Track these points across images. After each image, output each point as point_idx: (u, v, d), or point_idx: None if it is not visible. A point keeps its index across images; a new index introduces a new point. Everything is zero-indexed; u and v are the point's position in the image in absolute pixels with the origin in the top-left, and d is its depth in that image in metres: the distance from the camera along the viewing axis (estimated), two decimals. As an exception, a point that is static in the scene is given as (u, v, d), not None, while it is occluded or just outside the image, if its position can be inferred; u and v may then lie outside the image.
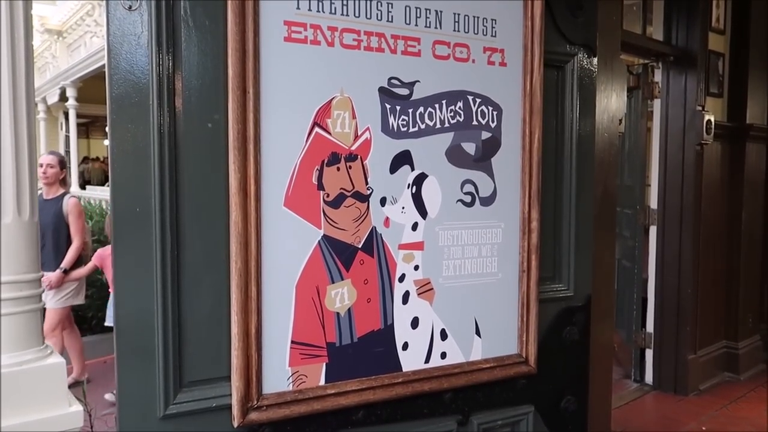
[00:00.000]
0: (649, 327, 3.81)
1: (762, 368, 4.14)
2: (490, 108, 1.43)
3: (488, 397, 1.47)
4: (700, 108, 3.59)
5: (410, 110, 1.33)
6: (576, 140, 1.60)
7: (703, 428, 3.15)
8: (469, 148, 1.41)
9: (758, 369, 4.11)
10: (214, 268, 1.16)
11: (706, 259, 3.77)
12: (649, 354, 3.82)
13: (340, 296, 1.26)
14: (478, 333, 1.43)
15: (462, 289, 1.41)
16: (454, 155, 1.39)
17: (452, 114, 1.38)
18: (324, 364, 1.25)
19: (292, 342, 1.22)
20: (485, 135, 1.43)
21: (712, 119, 3.58)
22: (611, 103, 1.91)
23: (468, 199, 1.41)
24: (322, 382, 1.25)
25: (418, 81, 1.33)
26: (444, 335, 1.38)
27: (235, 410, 1.15)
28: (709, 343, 3.89)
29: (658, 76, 3.70)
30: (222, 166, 1.16)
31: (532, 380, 1.52)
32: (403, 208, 1.32)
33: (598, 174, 1.83)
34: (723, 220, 3.94)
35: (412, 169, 1.33)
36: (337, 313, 1.26)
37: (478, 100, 1.42)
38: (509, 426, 1.52)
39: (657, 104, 3.74)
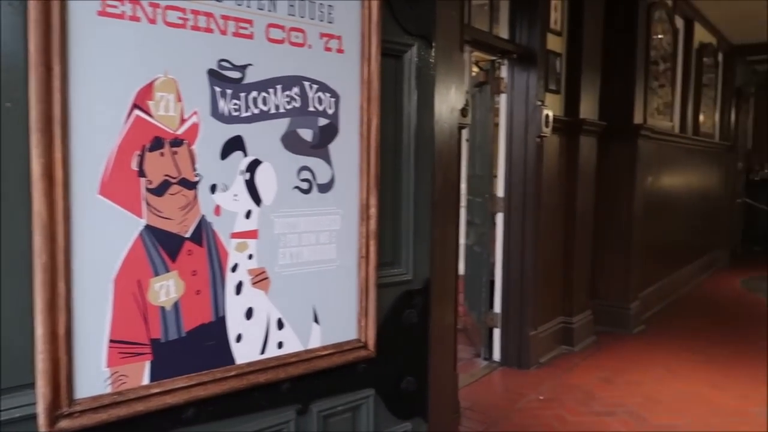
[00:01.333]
0: (497, 308, 4.08)
1: (593, 339, 4.60)
2: (328, 94, 1.42)
3: (328, 383, 1.47)
4: (540, 103, 3.87)
5: (243, 94, 1.28)
6: (415, 129, 1.64)
7: (541, 397, 3.44)
8: (306, 134, 1.39)
9: (590, 340, 4.56)
10: (14, 265, 1.04)
11: (546, 243, 4.10)
12: (497, 333, 4.09)
13: (166, 289, 1.19)
14: (316, 320, 1.43)
15: (299, 277, 1.39)
16: (290, 141, 1.36)
17: (288, 99, 1.35)
18: (148, 362, 1.17)
19: (111, 341, 1.13)
20: (322, 121, 1.42)
21: (551, 114, 3.88)
22: (451, 94, 1.99)
23: (305, 185, 1.39)
24: (145, 381, 1.17)
25: (251, 64, 1.29)
26: (281, 324, 1.36)
27: (42, 419, 1.04)
28: (549, 319, 4.24)
29: (504, 73, 3.94)
30: (24, 151, 1.04)
31: (371, 364, 1.55)
32: (235, 195, 1.28)
33: (439, 162, 1.90)
34: (560, 207, 4.30)
35: (245, 155, 1.29)
36: (163, 308, 1.19)
37: (315, 86, 1.40)
38: (350, 411, 1.54)
39: (503, 99, 3.98)
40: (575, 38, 4.29)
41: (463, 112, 2.88)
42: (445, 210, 2.00)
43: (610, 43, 4.66)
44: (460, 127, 2.97)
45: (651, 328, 4.99)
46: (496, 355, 4.09)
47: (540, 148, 3.91)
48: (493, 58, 3.94)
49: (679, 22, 6.30)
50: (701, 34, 7.03)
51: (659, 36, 5.68)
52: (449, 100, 1.95)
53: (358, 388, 1.54)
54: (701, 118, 7.23)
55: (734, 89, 8.74)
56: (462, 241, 5.07)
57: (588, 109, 4.40)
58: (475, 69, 4.53)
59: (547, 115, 3.84)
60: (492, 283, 4.14)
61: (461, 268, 4.96)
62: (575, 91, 4.28)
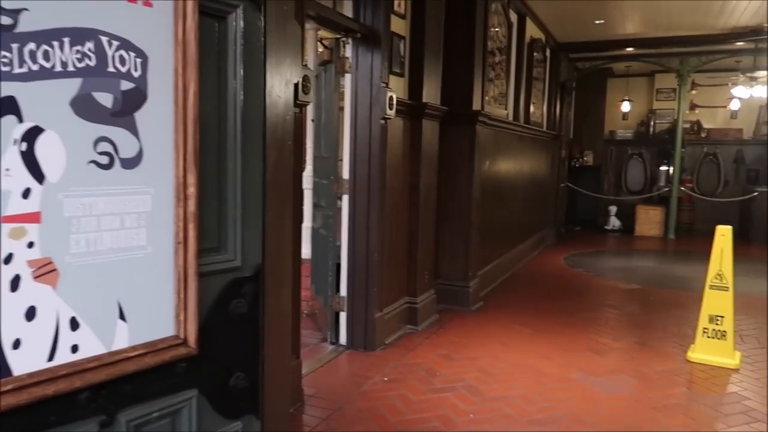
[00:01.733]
0: (343, 291, 4.04)
1: (436, 318, 4.76)
2: (132, 54, 1.22)
3: (139, 388, 1.28)
4: (385, 85, 3.86)
5: (15, 45, 1.04)
6: (242, 101, 1.49)
7: (385, 378, 3.46)
8: (105, 99, 1.18)
9: (433, 319, 4.71)
10: None
11: (391, 224, 4.13)
12: (343, 316, 4.05)
13: None
14: (122, 317, 1.23)
15: (99, 267, 1.18)
16: (84, 107, 1.14)
17: (79, 56, 1.13)
18: None
19: None
20: (126, 85, 1.21)
21: (395, 96, 3.89)
22: (285, 67, 1.85)
23: (104, 160, 1.18)
24: None
25: (26, 9, 1.05)
26: (75, 324, 1.15)
27: None
28: (394, 300, 4.30)
29: (348, 52, 3.86)
30: None
31: (194, 362, 1.38)
32: (6, 169, 1.04)
33: (273, 140, 1.76)
34: (404, 189, 4.36)
35: (20, 121, 1.05)
36: None
37: (116, 43, 1.19)
38: (169, 416, 1.36)
39: (348, 79, 3.91)
40: (418, 23, 4.33)
41: (304, 89, 2.75)
42: (280, 190, 1.86)
43: (451, 31, 4.80)
44: (301, 105, 2.84)
45: (488, 304, 5.28)
46: (343, 338, 4.05)
47: (384, 131, 3.91)
48: (338, 36, 3.84)
49: (513, 17, 6.70)
50: (532, 30, 7.55)
51: (496, 28, 5.98)
52: (283, 74, 1.81)
53: (178, 389, 1.37)
54: (532, 108, 7.80)
55: (559, 83, 9.57)
56: (308, 224, 4.97)
57: (431, 93, 4.49)
58: (321, 48, 4.41)
59: (391, 97, 3.85)
60: (339, 266, 4.09)
61: (308, 252, 4.86)
62: (418, 75, 4.34)
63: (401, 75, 4.23)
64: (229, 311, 1.51)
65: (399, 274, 4.38)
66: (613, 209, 11.14)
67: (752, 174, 11.19)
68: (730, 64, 10.55)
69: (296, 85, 2.65)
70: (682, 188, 10.33)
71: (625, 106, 11.71)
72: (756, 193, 9.55)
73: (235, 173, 1.50)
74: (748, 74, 8.28)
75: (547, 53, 8.67)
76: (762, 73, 8.15)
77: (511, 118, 6.80)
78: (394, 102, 3.89)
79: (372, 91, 3.83)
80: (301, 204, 2.99)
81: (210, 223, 1.43)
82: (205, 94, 1.37)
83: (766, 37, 7.77)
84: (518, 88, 7.05)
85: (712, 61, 9.58)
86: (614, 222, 11.06)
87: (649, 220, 10.21)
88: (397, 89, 4.10)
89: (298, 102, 2.73)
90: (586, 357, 3.91)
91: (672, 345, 4.21)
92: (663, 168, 10.95)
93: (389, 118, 3.91)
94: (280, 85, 1.82)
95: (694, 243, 9.64)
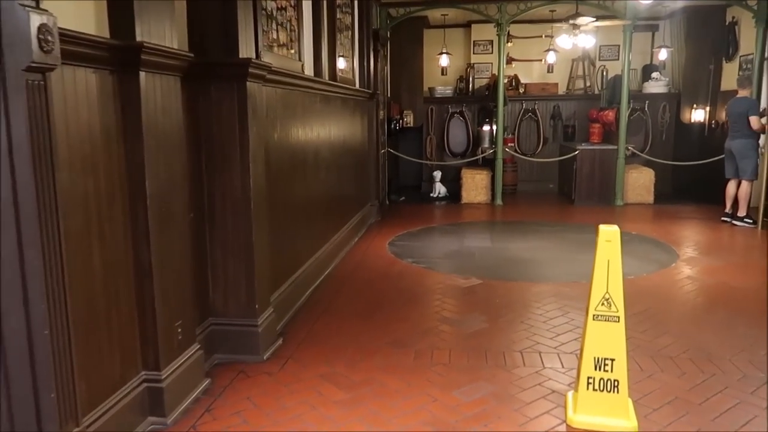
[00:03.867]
0: (-9, 402, 2.15)
1: (204, 387, 3.04)
2: None
3: None
4: (32, 5, 1.96)
5: None
6: None
7: None
8: None
9: (198, 392, 2.99)
10: None
11: (82, 262, 2.30)
12: (-3, 447, 2.18)
13: None
14: None
15: None
16: None
17: None
18: None
19: None
20: None
21: (53, 24, 2.00)
22: None
23: None
24: None
25: None
26: None
27: None
28: (111, 392, 2.49)
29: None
30: None
31: None
32: None
33: None
34: (114, 195, 2.51)
35: None
36: None
37: None
38: None
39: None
40: None
41: None
42: None
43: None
44: None
45: (289, 344, 3.69)
46: (4, 486, 2.19)
47: (40, 94, 2.01)
48: None
49: (305, -65, 4.97)
50: (332, -41, 5.90)
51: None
52: None
53: None
54: (341, 62, 6.24)
55: (371, 33, 8.11)
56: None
57: (157, 28, 2.64)
58: None
59: (44, 27, 1.95)
60: (-12, 350, 2.18)
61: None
62: (124, -5, 2.48)
63: (85, -9, 2.34)
64: None
65: (119, 346, 2.57)
66: (438, 174, 10.19)
67: (569, 130, 10.92)
68: (545, 15, 9.97)
69: None
70: (506, 149, 9.63)
71: (444, 60, 10.69)
72: (577, 152, 9.11)
73: None
74: (572, 21, 7.54)
75: (355, -7, 7.12)
76: (585, 20, 7.43)
77: (310, 73, 5.16)
78: (56, 37, 2.00)
79: (1, 17, 1.91)
80: None
81: None
82: None
83: None
84: (318, 34, 5.40)
85: (531, 9, 8.80)
86: (440, 188, 10.12)
87: (476, 186, 9.36)
88: (83, 17, 2.23)
89: None
90: (430, 445, 2.51)
91: (541, 394, 2.99)
92: (486, 128, 10.17)
93: (49, 69, 2.02)
94: None
95: (520, 209, 8.99)
